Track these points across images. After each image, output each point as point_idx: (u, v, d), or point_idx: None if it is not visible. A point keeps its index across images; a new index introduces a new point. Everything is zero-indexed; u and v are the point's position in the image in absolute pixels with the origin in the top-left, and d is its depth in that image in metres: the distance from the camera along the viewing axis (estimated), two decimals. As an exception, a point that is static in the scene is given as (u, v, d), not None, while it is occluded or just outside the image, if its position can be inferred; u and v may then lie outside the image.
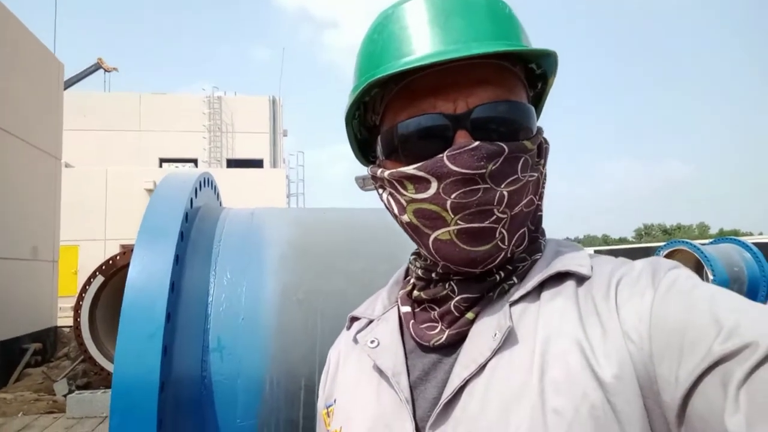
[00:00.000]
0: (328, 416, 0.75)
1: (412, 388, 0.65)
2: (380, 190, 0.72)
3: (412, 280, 0.76)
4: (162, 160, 20.75)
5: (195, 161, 21.10)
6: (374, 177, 0.72)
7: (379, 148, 0.70)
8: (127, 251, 6.52)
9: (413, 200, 0.64)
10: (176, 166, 19.91)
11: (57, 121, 9.60)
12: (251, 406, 1.34)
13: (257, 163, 21.26)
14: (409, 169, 0.63)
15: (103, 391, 5.01)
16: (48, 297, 8.78)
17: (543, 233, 0.72)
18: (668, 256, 11.29)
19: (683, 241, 11.06)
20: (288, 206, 19.77)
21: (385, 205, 0.71)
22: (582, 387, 0.53)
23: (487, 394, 0.57)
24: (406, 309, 0.73)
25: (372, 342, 0.72)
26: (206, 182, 1.88)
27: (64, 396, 5.86)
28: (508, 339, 0.60)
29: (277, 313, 1.45)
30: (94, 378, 6.50)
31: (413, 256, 0.77)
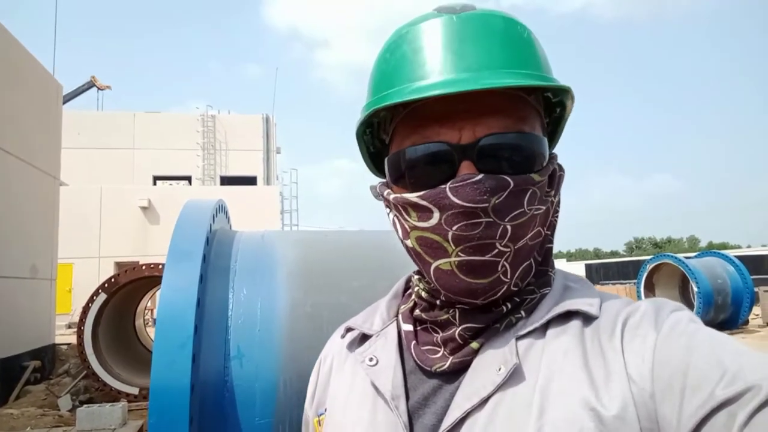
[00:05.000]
0: (320, 425, 0.75)
1: (410, 412, 0.63)
2: (387, 209, 0.70)
3: (413, 297, 0.74)
4: (156, 178, 20.83)
5: (189, 179, 21.19)
6: (382, 196, 0.71)
7: (386, 171, 0.69)
8: (129, 269, 6.66)
9: (416, 227, 0.63)
10: (170, 184, 19.99)
11: (55, 141, 9.71)
12: (268, 406, 1.52)
13: (251, 181, 21.41)
14: (412, 197, 0.62)
15: (111, 405, 5.14)
16: (46, 314, 8.82)
17: (552, 265, 0.70)
18: (654, 269, 11.54)
19: (668, 255, 11.31)
20: (281, 222, 19.86)
21: (391, 224, 0.70)
22: (579, 427, 0.53)
23: (488, 429, 0.56)
24: (408, 327, 0.71)
25: (371, 360, 0.70)
26: (220, 208, 2.09)
27: (69, 411, 5.97)
28: (513, 375, 0.58)
29: (288, 324, 1.64)
30: (96, 393, 6.60)
31: (417, 276, 0.74)
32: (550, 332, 0.62)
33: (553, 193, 0.67)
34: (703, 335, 0.54)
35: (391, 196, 0.67)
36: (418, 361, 0.67)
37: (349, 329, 0.81)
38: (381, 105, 0.62)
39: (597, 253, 79.60)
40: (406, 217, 0.65)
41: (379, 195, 0.72)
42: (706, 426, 0.48)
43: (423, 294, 0.71)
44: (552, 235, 0.70)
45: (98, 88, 26.84)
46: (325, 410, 0.75)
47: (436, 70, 0.60)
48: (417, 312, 0.71)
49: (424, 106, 0.62)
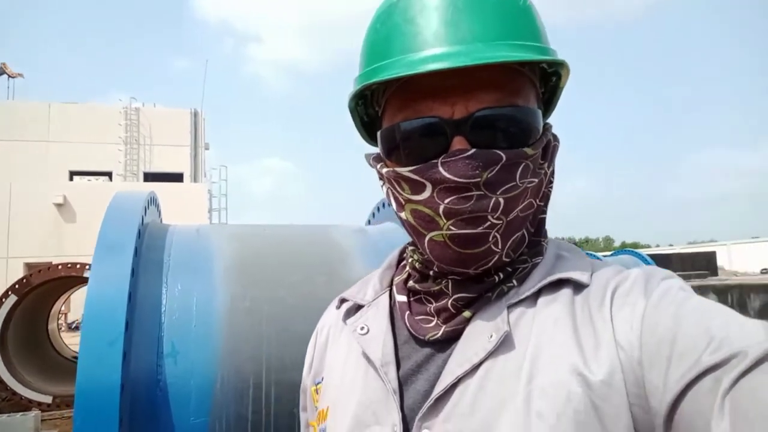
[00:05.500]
0: (317, 393, 0.77)
1: (401, 379, 0.65)
2: (381, 182, 0.71)
3: (407, 269, 0.75)
4: (73, 173, 19.63)
5: (109, 174, 20.12)
6: (375, 169, 0.71)
7: (379, 144, 0.69)
8: (43, 269, 6.22)
9: (410, 200, 0.64)
10: (88, 180, 18.92)
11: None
12: (203, 404, 1.47)
13: (177, 177, 20.59)
14: (405, 171, 0.63)
15: (21, 414, 4.78)
16: (-54, 319, 8.16)
17: (545, 235, 0.71)
18: (575, 267, 12.19)
19: (587, 253, 11.97)
20: (209, 221, 19.28)
21: (386, 196, 0.71)
22: (566, 391, 0.54)
23: (479, 394, 0.58)
24: (402, 298, 0.73)
25: (362, 329, 0.71)
26: (152, 201, 2.00)
27: (-28, 422, 5.52)
28: (504, 343, 0.60)
29: (227, 319, 1.60)
30: (3, 404, 6.11)
31: (411, 248, 0.75)
32: (541, 300, 0.63)
33: (546, 164, 0.67)
34: (692, 303, 0.55)
35: (384, 170, 0.67)
36: (412, 331, 0.68)
37: (343, 300, 0.81)
38: (372, 81, 0.61)
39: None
40: (400, 190, 0.65)
41: (373, 166, 0.71)
42: (692, 391, 0.49)
43: (417, 265, 0.72)
44: (545, 205, 0.71)
45: (9, 76, 24.91)
46: (322, 379, 0.76)
47: (428, 42, 0.59)
48: (411, 283, 0.72)
49: (417, 79, 0.61)
